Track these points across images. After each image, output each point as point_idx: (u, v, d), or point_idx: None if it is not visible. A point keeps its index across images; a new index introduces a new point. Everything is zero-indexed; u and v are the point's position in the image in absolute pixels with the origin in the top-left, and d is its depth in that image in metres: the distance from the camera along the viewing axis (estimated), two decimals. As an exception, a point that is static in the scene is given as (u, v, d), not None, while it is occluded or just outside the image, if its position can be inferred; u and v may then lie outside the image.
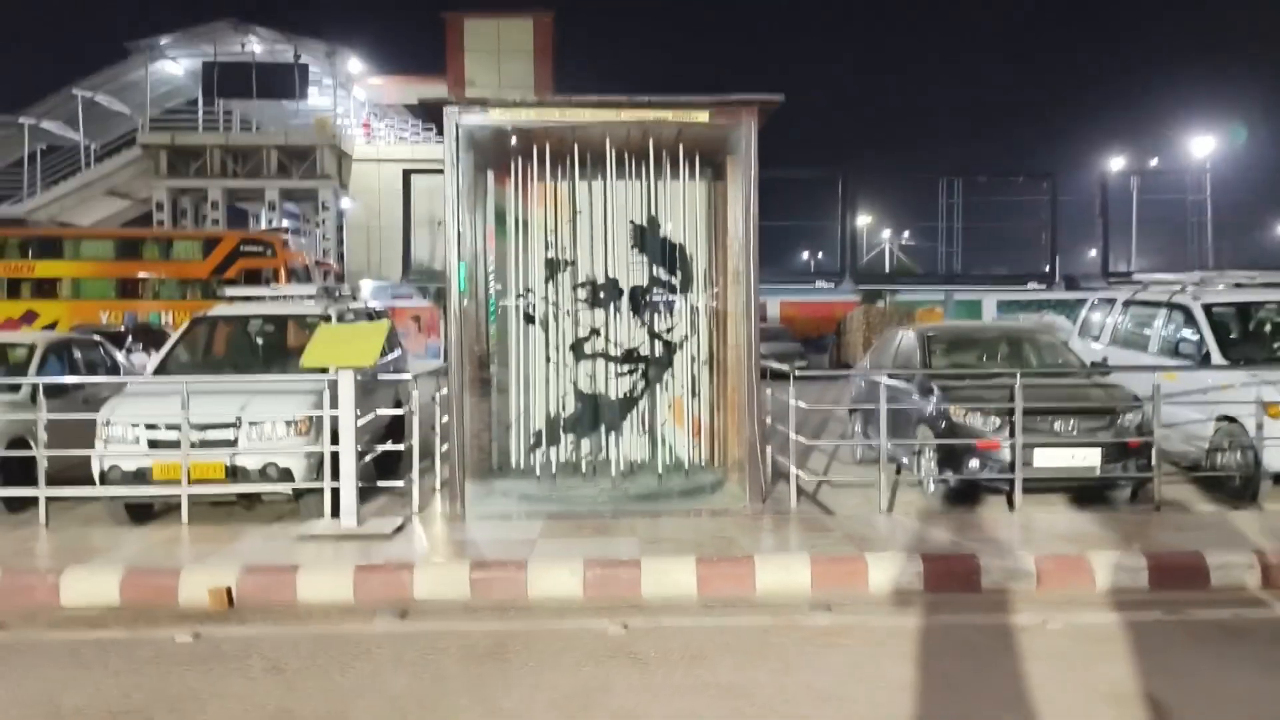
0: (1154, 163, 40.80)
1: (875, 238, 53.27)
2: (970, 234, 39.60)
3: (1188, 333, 9.38)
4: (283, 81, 35.23)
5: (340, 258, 35.35)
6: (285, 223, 35.46)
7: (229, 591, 5.65)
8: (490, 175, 8.76)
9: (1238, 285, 10.03)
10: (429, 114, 7.74)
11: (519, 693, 4.24)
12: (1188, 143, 36.27)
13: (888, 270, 44.38)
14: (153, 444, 7.42)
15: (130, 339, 18.20)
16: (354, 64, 37.55)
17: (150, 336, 19.53)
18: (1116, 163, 39.97)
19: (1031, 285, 32.91)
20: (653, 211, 8.57)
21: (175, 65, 36.31)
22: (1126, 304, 10.87)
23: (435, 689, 4.31)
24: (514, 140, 8.16)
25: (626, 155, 8.45)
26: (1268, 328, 9.68)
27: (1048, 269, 33.75)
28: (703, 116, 7.40)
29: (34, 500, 7.48)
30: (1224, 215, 40.51)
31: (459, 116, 7.40)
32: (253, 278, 21.97)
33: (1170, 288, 10.20)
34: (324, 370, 7.33)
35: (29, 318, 21.87)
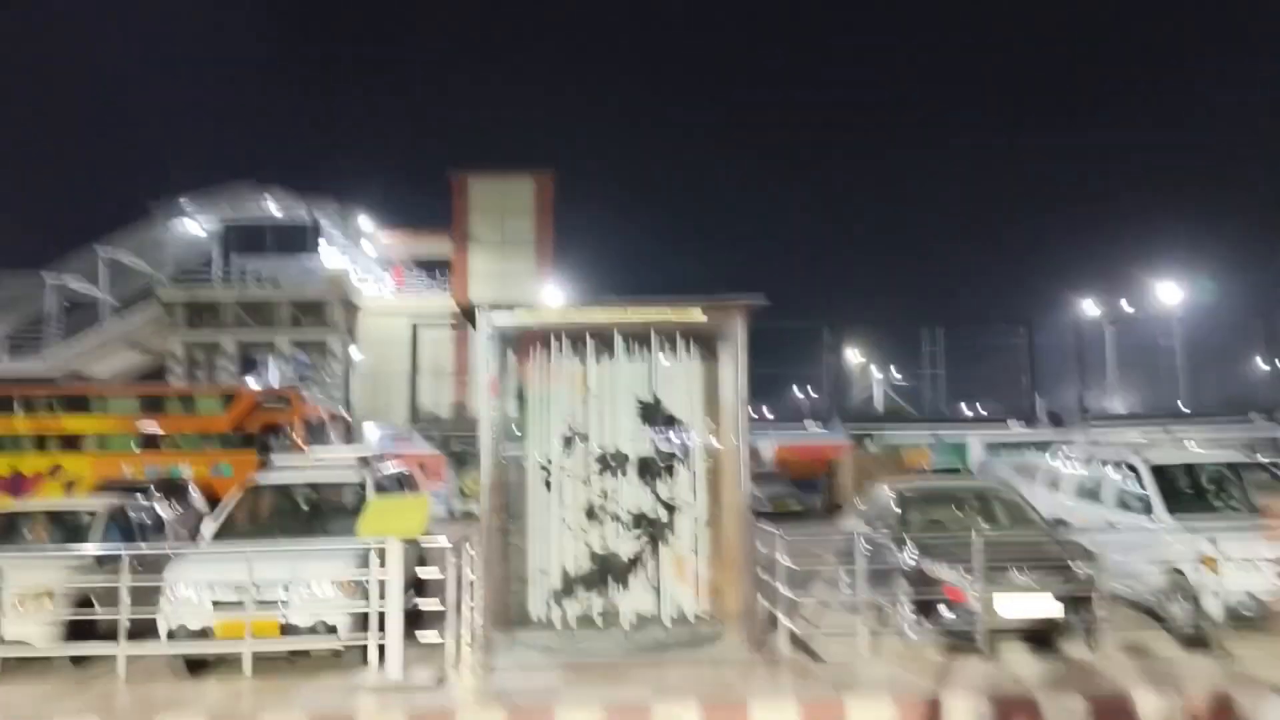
0: (1126, 306, 42.75)
1: (866, 377, 55.06)
2: (953, 376, 41.22)
3: (1136, 488, 10.49)
4: (296, 239, 37.30)
5: (348, 403, 36.62)
6: (295, 370, 36.88)
7: (300, 738, 6.56)
8: (511, 356, 10.00)
9: (1183, 444, 11.23)
10: (465, 315, 9.03)
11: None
12: (1158, 289, 38.31)
13: (877, 410, 45.80)
14: (215, 604, 8.38)
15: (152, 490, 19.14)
16: (364, 221, 39.78)
17: (173, 489, 20.46)
18: (1092, 307, 41.90)
19: (1013, 424, 34.13)
20: (655, 388, 9.75)
21: (194, 224, 38.40)
22: (1084, 460, 12.03)
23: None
24: (535, 331, 9.41)
25: (631, 339, 9.69)
26: (1207, 484, 10.81)
27: (1029, 409, 35.12)
28: (698, 316, 8.71)
29: (95, 657, 8.41)
30: (1206, 353, 42.29)
31: (491, 318, 8.69)
32: (271, 430, 23.09)
33: (1120, 447, 11.38)
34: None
35: (55, 471, 22.80)
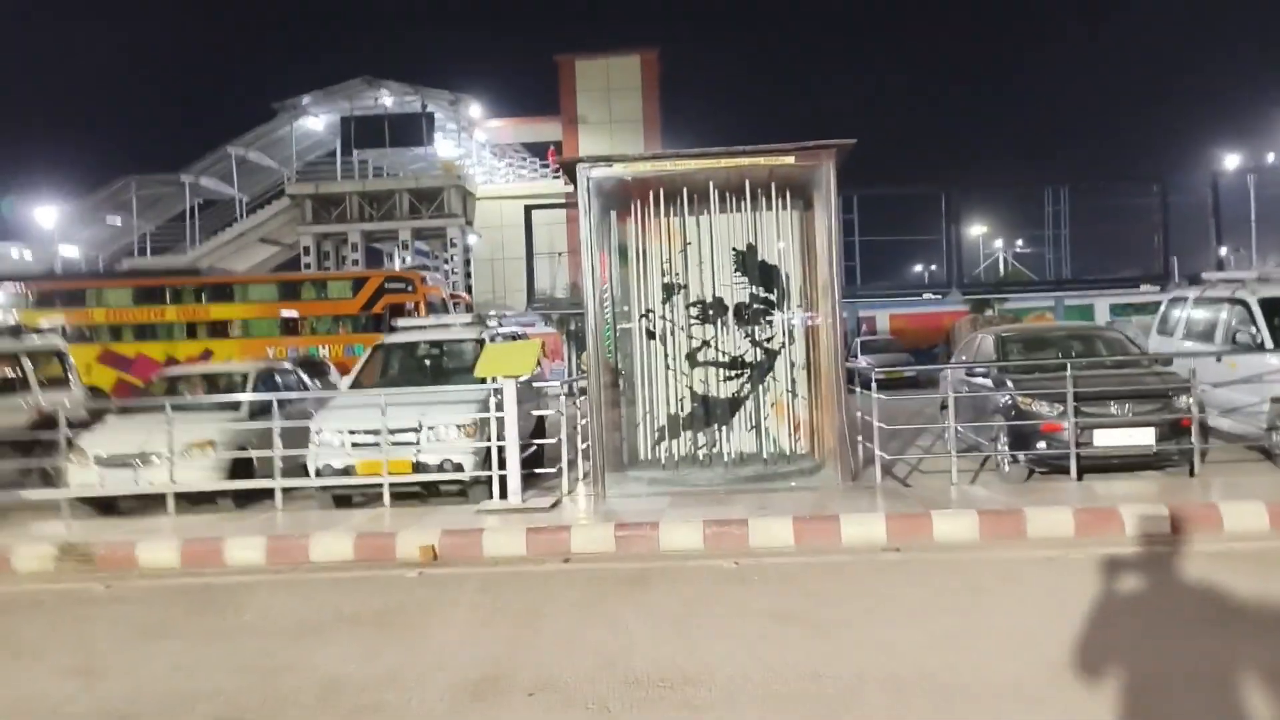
0: (1271, 158, 40.16)
1: (989, 247, 53.59)
2: (1080, 240, 39.64)
3: (1246, 324, 10.37)
4: (412, 130, 38.26)
5: (468, 289, 37.99)
6: (414, 259, 38.40)
7: (434, 548, 7.41)
8: (614, 215, 10.44)
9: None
10: (564, 170, 9.47)
11: (657, 597, 5.86)
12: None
13: (999, 278, 44.65)
14: (355, 446, 9.31)
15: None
16: (474, 109, 40.39)
17: (312, 368, 21.95)
18: (1232, 160, 39.52)
19: (1145, 287, 32.86)
20: (751, 238, 10.08)
21: (316, 121, 39.74)
22: (1196, 301, 11.86)
23: (599, 596, 5.98)
24: (633, 186, 9.82)
25: (727, 192, 10.00)
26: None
27: (1163, 271, 33.71)
28: (789, 160, 8.93)
29: (252, 498, 9.49)
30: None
31: (589, 171, 9.12)
32: (396, 311, 24.33)
33: (1233, 285, 11.17)
34: (483, 382, 9.12)
35: (205, 356, 24.65)
